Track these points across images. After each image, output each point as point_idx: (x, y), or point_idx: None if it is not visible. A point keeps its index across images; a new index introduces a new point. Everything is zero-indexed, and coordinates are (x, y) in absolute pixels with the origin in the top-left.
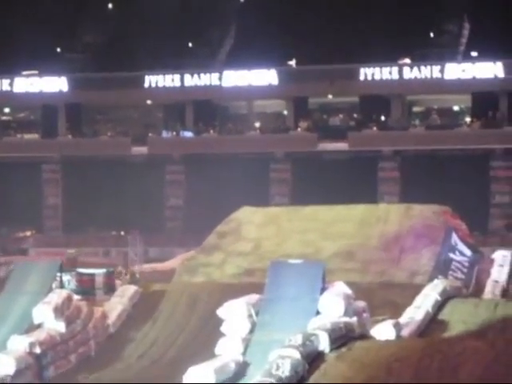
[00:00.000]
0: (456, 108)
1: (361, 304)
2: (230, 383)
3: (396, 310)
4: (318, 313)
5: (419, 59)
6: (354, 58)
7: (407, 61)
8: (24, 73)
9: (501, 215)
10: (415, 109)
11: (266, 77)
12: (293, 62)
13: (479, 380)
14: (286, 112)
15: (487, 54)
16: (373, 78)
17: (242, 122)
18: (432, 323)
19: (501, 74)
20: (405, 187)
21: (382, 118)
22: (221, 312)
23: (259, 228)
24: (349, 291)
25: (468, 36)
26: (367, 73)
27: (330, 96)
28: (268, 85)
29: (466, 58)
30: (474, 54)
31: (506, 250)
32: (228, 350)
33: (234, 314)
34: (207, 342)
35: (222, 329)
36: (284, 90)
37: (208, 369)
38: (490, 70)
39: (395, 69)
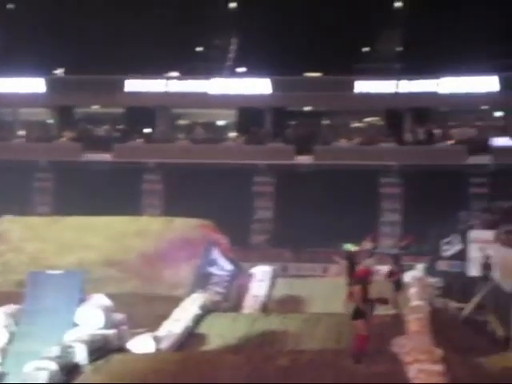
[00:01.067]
0: (221, 123)
1: (120, 316)
2: None
3: (155, 323)
4: (76, 324)
5: (186, 73)
6: (122, 69)
7: (174, 74)
8: None
9: (262, 230)
10: (180, 122)
11: (32, 85)
12: (60, 71)
13: None
14: (51, 121)
15: (254, 71)
16: (139, 90)
17: (6, 129)
18: (191, 337)
19: (267, 91)
20: (168, 200)
21: (148, 129)
22: None
23: (18, 238)
24: (108, 303)
25: (236, 52)
26: (133, 84)
27: (96, 106)
28: (34, 93)
29: (233, 73)
30: (241, 69)
31: (266, 266)
32: None
33: None
34: None
35: None
36: (50, 98)
37: None
38: (256, 86)
39: (162, 81)
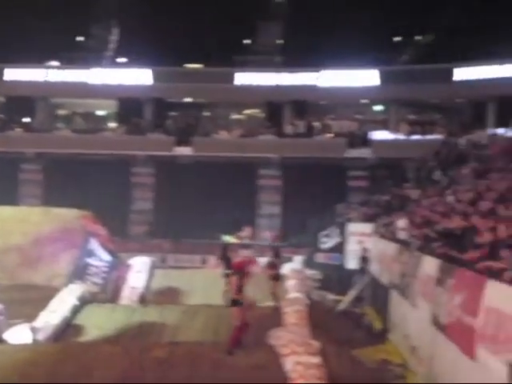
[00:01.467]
0: (101, 113)
1: None
2: None
3: (33, 314)
4: None
5: (66, 62)
6: (2, 57)
7: (54, 63)
8: None
9: (141, 221)
10: (60, 112)
11: None
12: None
13: None
14: None
15: (135, 61)
16: (18, 79)
17: None
18: (68, 327)
19: (148, 82)
20: (48, 190)
21: (27, 119)
22: None
23: None
24: None
25: (117, 42)
26: (13, 73)
27: None
28: None
29: (114, 63)
30: (122, 60)
31: (145, 256)
32: None
33: None
34: None
35: None
36: None
37: None
38: (137, 76)
39: (41, 71)
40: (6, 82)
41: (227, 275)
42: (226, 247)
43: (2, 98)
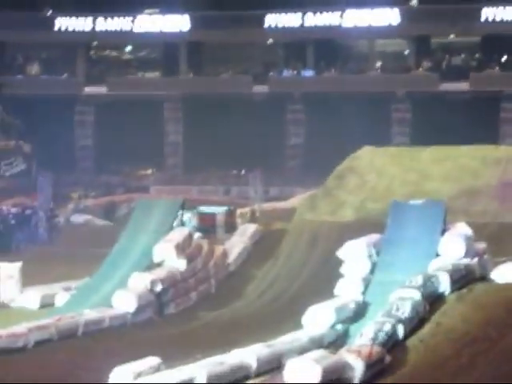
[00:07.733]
0: None
1: (481, 245)
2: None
3: None
4: (437, 254)
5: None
6: None
7: None
8: (146, 11)
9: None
10: None
11: (386, 16)
12: (415, 2)
13: None
14: (407, 52)
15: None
16: (494, 19)
17: (362, 61)
18: None
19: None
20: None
21: (504, 58)
22: (341, 253)
23: (379, 168)
24: (469, 232)
25: None
26: (489, 13)
27: (452, 36)
28: (388, 25)
29: None
30: None
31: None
32: (348, 291)
33: (355, 254)
34: (327, 281)
35: (342, 270)
36: (405, 29)
37: (328, 308)
38: None
39: None
40: (483, 21)
41: None
42: None
43: (478, 38)
